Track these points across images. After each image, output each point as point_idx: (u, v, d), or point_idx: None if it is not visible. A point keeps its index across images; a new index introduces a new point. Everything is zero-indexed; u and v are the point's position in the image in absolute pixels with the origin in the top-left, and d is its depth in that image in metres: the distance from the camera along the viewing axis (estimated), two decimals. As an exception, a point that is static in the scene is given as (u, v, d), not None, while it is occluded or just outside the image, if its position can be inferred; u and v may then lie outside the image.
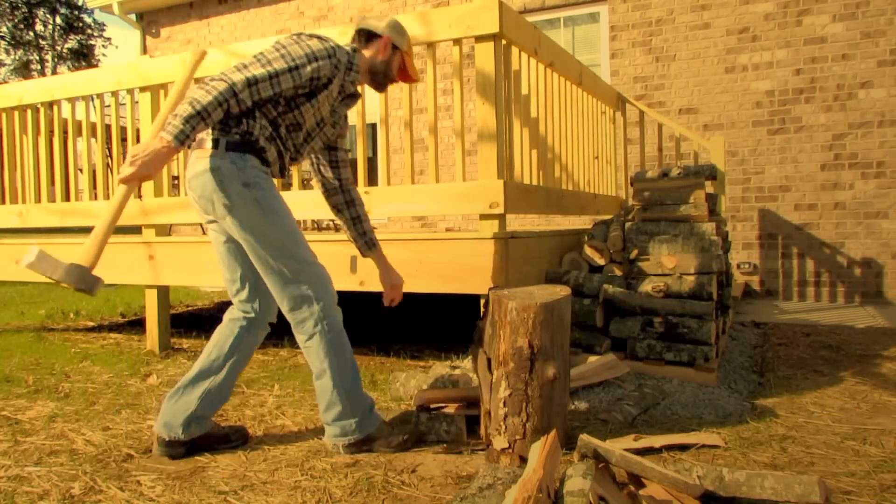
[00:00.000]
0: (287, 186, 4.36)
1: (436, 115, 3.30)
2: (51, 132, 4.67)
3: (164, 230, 4.27)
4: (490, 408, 2.19)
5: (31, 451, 2.38)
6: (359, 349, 4.34)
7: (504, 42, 3.15)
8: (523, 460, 2.11)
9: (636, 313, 3.18)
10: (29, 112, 4.63)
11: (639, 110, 5.35)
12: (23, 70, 33.32)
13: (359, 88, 2.65)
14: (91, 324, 5.56)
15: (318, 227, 6.24)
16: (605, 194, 5.01)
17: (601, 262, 3.55)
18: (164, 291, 4.27)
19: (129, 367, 3.72)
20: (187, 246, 3.97)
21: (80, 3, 33.52)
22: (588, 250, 3.60)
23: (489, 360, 2.21)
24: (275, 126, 2.24)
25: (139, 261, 4.15)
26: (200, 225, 6.66)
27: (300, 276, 2.20)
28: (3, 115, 4.77)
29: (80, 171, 5.04)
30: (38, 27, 33.57)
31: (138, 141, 4.26)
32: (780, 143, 5.81)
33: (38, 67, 33.91)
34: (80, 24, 34.50)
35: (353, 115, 6.16)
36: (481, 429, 2.35)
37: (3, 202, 4.94)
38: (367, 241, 2.62)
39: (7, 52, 33.02)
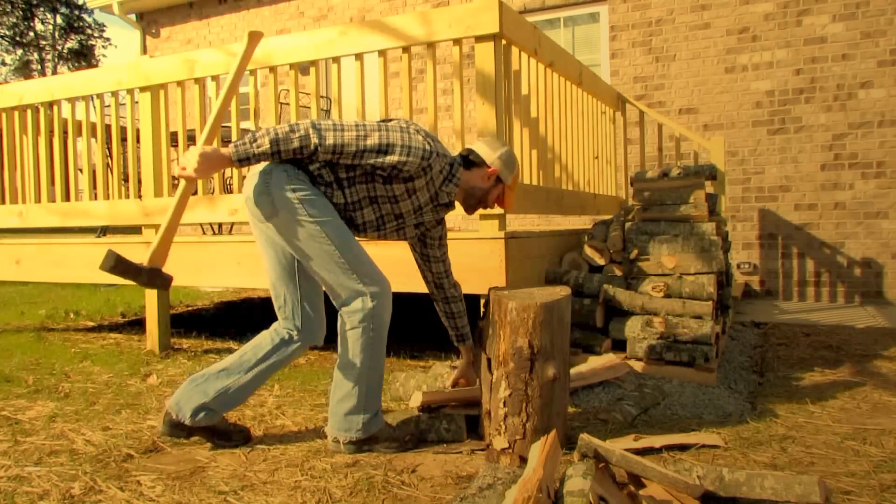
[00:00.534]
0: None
1: (436, 115, 3.30)
2: (51, 132, 4.67)
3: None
4: (490, 408, 2.19)
5: (31, 451, 2.38)
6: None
7: (504, 42, 3.15)
8: (523, 460, 2.11)
9: (636, 313, 3.18)
10: (29, 112, 4.63)
11: (639, 110, 5.35)
12: (23, 70, 33.33)
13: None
14: (91, 324, 5.56)
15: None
16: (605, 194, 5.01)
17: (601, 262, 3.55)
18: (164, 291, 4.27)
19: (129, 367, 3.72)
20: (187, 246, 3.97)
21: (80, 3, 33.52)
22: (588, 250, 3.60)
23: (489, 360, 2.21)
24: (340, 181, 2.24)
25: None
26: (200, 225, 6.66)
27: (355, 273, 2.20)
28: (4, 115, 4.77)
29: (80, 171, 5.03)
30: (39, 27, 33.59)
31: (138, 141, 4.26)
32: (780, 143, 5.81)
33: (39, 67, 33.91)
34: (81, 24, 34.51)
35: (353, 115, 6.16)
36: (481, 429, 2.35)
37: (3, 202, 4.94)
38: (458, 336, 2.66)
39: (7, 51, 33.02)
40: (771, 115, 5.83)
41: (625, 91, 6.20)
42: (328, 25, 7.77)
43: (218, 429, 2.37)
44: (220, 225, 6.18)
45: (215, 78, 3.90)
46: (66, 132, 4.61)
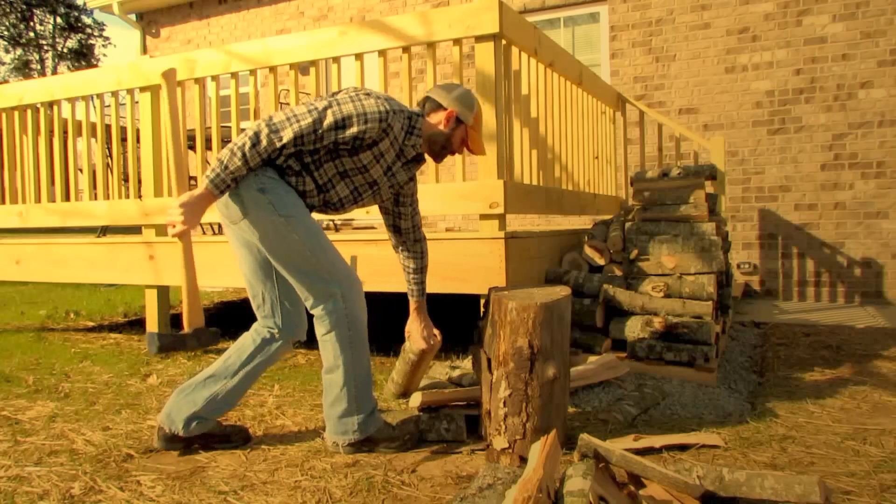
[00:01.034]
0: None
1: (436, 115, 3.30)
2: (51, 132, 4.67)
3: (165, 230, 4.27)
4: (490, 408, 2.19)
5: (31, 451, 2.38)
6: (359, 349, 4.33)
7: (504, 42, 3.15)
8: (523, 460, 2.11)
9: (636, 313, 3.18)
10: (29, 112, 4.63)
11: (639, 110, 5.35)
12: (23, 70, 33.33)
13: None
14: (91, 324, 5.56)
15: (318, 227, 6.24)
16: (605, 194, 5.01)
17: (601, 262, 3.55)
18: (164, 291, 4.27)
19: (129, 367, 3.72)
20: (187, 246, 3.96)
21: (80, 3, 33.53)
22: (588, 250, 3.60)
23: (489, 360, 2.21)
24: (307, 166, 2.23)
25: (139, 261, 4.16)
26: (200, 225, 6.66)
27: (325, 273, 2.19)
28: (3, 115, 4.77)
29: (80, 171, 5.03)
30: (38, 27, 33.59)
31: (138, 141, 4.26)
32: (780, 143, 5.81)
33: (38, 67, 33.91)
34: (80, 24, 34.51)
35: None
36: (481, 429, 2.35)
37: (3, 202, 4.94)
38: (416, 292, 2.67)
39: (7, 51, 33.02)
40: (771, 115, 5.83)
41: (625, 91, 6.20)
42: (328, 25, 7.77)
43: (214, 434, 2.36)
44: (220, 225, 6.18)
45: (215, 78, 3.90)
46: (66, 132, 4.61)
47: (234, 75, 3.82)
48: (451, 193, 3.20)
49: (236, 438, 2.39)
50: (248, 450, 2.34)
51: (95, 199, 4.58)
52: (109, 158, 5.56)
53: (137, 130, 4.27)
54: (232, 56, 3.77)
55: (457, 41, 3.19)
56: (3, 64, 33.26)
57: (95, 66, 34.24)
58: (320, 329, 2.24)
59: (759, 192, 5.90)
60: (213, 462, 2.23)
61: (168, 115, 2.48)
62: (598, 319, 3.19)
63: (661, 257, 3.31)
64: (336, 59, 3.53)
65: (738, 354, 3.69)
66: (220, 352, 4.13)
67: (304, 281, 2.21)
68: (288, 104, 6.74)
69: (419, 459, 2.21)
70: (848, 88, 5.57)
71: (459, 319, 5.07)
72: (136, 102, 4.21)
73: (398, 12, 7.39)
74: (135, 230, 4.30)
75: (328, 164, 2.24)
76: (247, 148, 2.09)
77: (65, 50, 34.41)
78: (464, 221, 7.02)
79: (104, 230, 5.77)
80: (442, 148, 2.36)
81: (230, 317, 5.83)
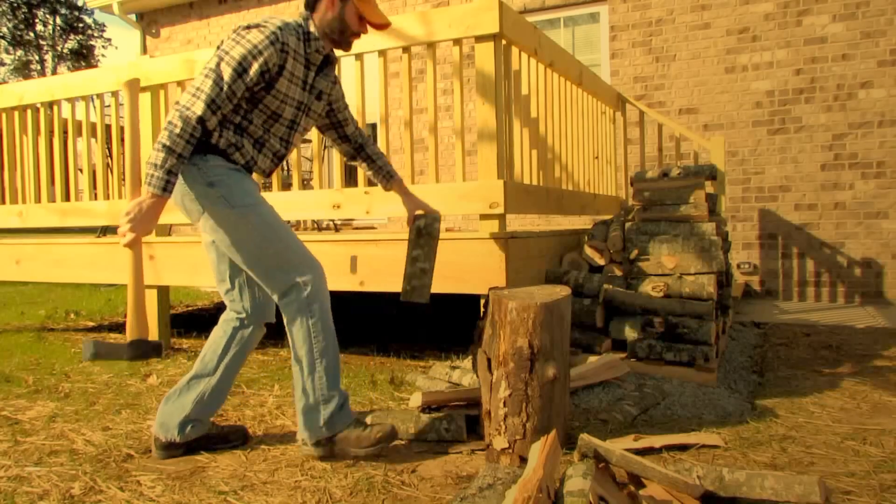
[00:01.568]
0: (287, 186, 4.37)
1: (436, 115, 3.30)
2: (51, 132, 4.67)
3: (164, 230, 4.27)
4: (490, 408, 2.19)
5: (31, 451, 2.38)
6: (359, 349, 4.34)
7: (504, 42, 3.15)
8: (523, 460, 2.11)
9: (636, 313, 3.18)
10: (29, 112, 4.63)
11: (639, 110, 5.35)
12: (23, 70, 33.34)
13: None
14: (91, 324, 5.56)
15: (317, 227, 6.24)
16: (605, 194, 5.01)
17: (601, 262, 3.55)
18: (164, 291, 4.27)
19: (129, 367, 3.72)
20: (187, 246, 3.97)
21: (80, 4, 33.53)
22: (588, 250, 3.60)
23: (489, 360, 2.21)
24: (241, 126, 2.19)
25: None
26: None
27: (283, 263, 2.15)
28: (3, 115, 4.77)
29: (80, 171, 5.03)
30: (39, 27, 33.59)
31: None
32: (780, 143, 5.81)
33: (38, 67, 33.92)
34: (80, 25, 34.52)
35: (353, 115, 6.15)
36: (481, 429, 2.35)
37: (3, 202, 4.94)
38: (385, 175, 2.61)
39: (7, 51, 33.03)
40: (771, 115, 5.83)
41: (625, 91, 6.20)
42: (328, 25, 7.75)
43: (212, 435, 2.36)
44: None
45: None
46: (66, 132, 4.61)
47: (234, 75, 3.81)
48: (451, 193, 3.20)
49: (235, 438, 2.39)
50: (248, 450, 2.34)
51: (95, 198, 4.58)
52: (109, 158, 5.56)
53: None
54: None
55: (457, 41, 3.19)
56: (4, 65, 33.27)
57: (95, 66, 34.24)
58: (285, 318, 2.19)
59: (759, 192, 5.90)
60: (213, 462, 2.23)
61: (128, 123, 2.45)
62: (598, 319, 3.19)
63: (661, 257, 3.31)
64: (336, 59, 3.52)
65: (738, 354, 3.69)
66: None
67: (262, 274, 2.17)
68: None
69: (419, 459, 2.21)
70: (848, 88, 5.57)
71: (459, 319, 5.07)
72: (136, 102, 4.21)
73: (398, 12, 7.39)
74: (135, 230, 4.29)
75: (255, 114, 2.19)
76: (166, 139, 2.03)
77: (65, 51, 34.42)
78: (464, 221, 7.02)
79: (104, 230, 5.77)
80: (341, 33, 2.27)
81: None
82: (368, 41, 3.37)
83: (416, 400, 2.60)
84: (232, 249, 2.18)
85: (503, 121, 3.14)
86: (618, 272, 3.45)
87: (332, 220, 5.87)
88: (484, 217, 3.14)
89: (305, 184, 6.43)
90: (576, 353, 3.14)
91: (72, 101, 4.45)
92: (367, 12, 2.28)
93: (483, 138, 3.10)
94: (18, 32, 32.81)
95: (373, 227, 7.07)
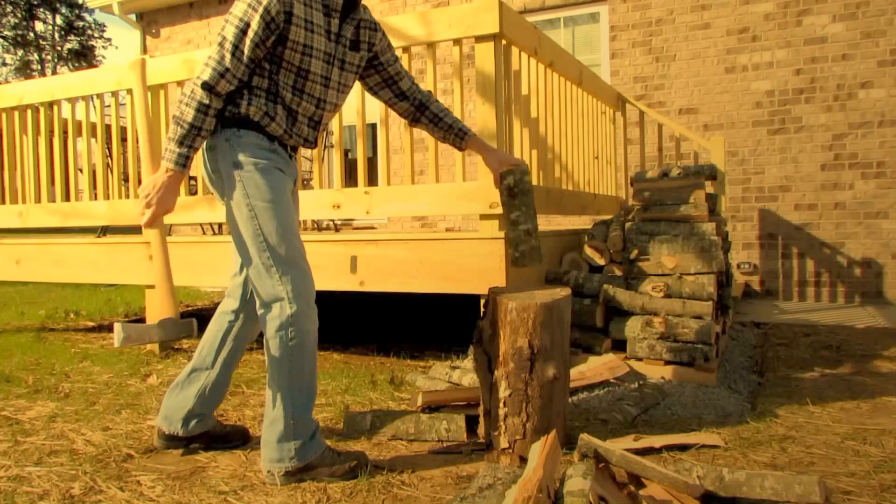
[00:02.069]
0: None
1: (436, 115, 3.30)
2: (51, 132, 4.67)
3: (164, 230, 4.26)
4: (490, 408, 2.19)
5: (31, 451, 2.38)
6: (359, 349, 4.34)
7: (504, 42, 3.15)
8: (523, 460, 2.11)
9: (636, 313, 3.18)
10: (29, 112, 4.63)
11: (639, 110, 5.35)
12: (23, 70, 33.36)
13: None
14: (91, 324, 5.56)
15: (318, 227, 6.24)
16: (605, 194, 5.01)
17: (601, 262, 3.55)
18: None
19: (129, 367, 3.72)
20: (187, 246, 3.97)
21: (80, 3, 33.54)
22: (588, 250, 3.60)
23: (489, 360, 2.21)
24: (271, 91, 2.05)
25: (139, 261, 4.16)
26: (200, 225, 6.66)
27: (278, 274, 2.02)
28: (4, 115, 4.77)
29: (80, 171, 5.04)
30: (39, 27, 33.62)
31: (138, 141, 4.26)
32: (780, 143, 5.81)
33: (39, 68, 33.93)
34: (81, 25, 34.53)
35: (353, 115, 6.16)
36: (481, 429, 2.35)
37: (3, 202, 4.94)
38: (456, 133, 2.39)
39: (8, 51, 33.04)
40: (771, 115, 5.83)
41: (625, 91, 6.20)
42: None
43: (214, 433, 2.35)
44: (220, 225, 6.18)
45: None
46: (66, 132, 4.61)
47: (234, 75, 3.81)
48: (451, 193, 3.20)
49: (235, 438, 2.38)
50: (248, 450, 2.34)
51: (95, 199, 4.58)
52: (109, 158, 5.56)
53: (137, 130, 4.27)
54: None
55: (457, 41, 3.19)
56: (6, 65, 33.29)
57: (96, 66, 34.25)
58: (265, 335, 2.06)
59: (759, 192, 5.90)
60: (213, 462, 2.23)
61: (139, 102, 2.37)
62: (598, 319, 3.19)
63: (661, 257, 3.31)
64: (336, 59, 3.53)
65: (738, 354, 3.69)
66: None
67: (254, 273, 2.05)
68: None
69: (419, 459, 2.21)
70: (848, 88, 5.57)
71: (459, 319, 5.07)
72: (136, 102, 4.21)
73: (398, 12, 7.39)
74: (135, 230, 4.30)
75: (282, 74, 2.04)
76: (177, 110, 1.96)
77: (65, 51, 34.43)
78: (464, 221, 7.02)
79: (104, 230, 5.77)
80: None
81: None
82: (368, 41, 3.37)
83: (416, 400, 2.60)
84: (235, 237, 2.10)
85: (503, 121, 3.14)
86: (618, 272, 3.46)
87: (332, 220, 5.87)
88: (484, 217, 3.14)
89: (305, 184, 6.43)
90: (576, 353, 3.14)
91: (72, 101, 4.45)
92: None
93: (483, 138, 3.10)
94: (19, 32, 32.82)
95: (373, 227, 7.07)
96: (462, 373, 3.09)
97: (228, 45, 1.97)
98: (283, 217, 2.05)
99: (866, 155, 5.53)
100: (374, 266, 3.34)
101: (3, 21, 32.29)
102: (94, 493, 2.00)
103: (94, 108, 4.48)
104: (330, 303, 5.93)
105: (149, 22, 9.05)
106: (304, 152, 7.28)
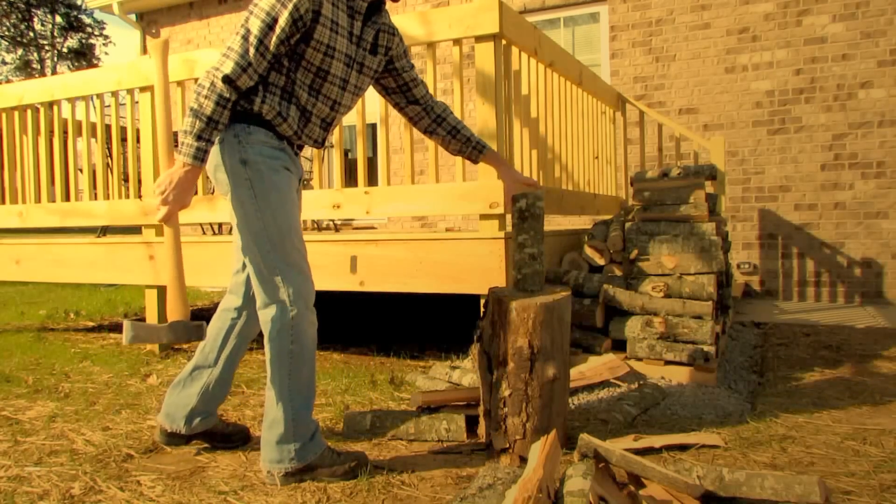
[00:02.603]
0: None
1: (436, 115, 3.30)
2: (51, 132, 4.67)
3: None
4: (490, 408, 2.19)
5: (31, 451, 2.38)
6: (359, 349, 4.34)
7: (504, 42, 3.15)
8: (523, 460, 2.11)
9: (636, 313, 3.18)
10: (29, 112, 4.63)
11: (639, 110, 5.35)
12: (23, 69, 33.35)
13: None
14: (91, 324, 5.56)
15: (317, 227, 6.24)
16: (605, 194, 5.01)
17: (601, 262, 3.55)
18: (164, 291, 4.27)
19: (129, 367, 3.72)
20: (187, 246, 3.97)
21: (79, 3, 33.53)
22: (588, 250, 3.60)
23: (489, 360, 2.21)
24: (287, 90, 2.03)
25: (139, 261, 4.16)
26: (200, 225, 6.66)
27: (279, 276, 2.01)
28: (3, 115, 4.77)
29: (80, 171, 5.04)
30: (38, 26, 33.61)
31: (138, 141, 4.26)
32: (780, 143, 5.81)
33: (38, 67, 33.93)
34: (80, 24, 34.52)
35: (353, 115, 6.16)
36: (481, 429, 2.35)
37: (3, 202, 4.94)
38: (474, 147, 2.39)
39: (7, 51, 33.04)
40: (771, 115, 5.83)
41: (625, 91, 6.20)
42: (328, 25, 7.75)
43: (216, 432, 2.34)
44: (220, 225, 6.18)
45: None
46: (66, 132, 4.61)
47: (234, 75, 3.81)
48: (451, 193, 3.20)
49: (237, 438, 2.38)
50: (247, 450, 2.34)
51: (95, 199, 4.58)
52: (109, 158, 5.57)
53: (137, 130, 4.28)
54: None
55: (457, 41, 3.19)
56: (6, 64, 33.29)
57: (95, 65, 34.26)
58: (265, 336, 2.06)
59: (759, 192, 5.90)
60: (213, 462, 2.23)
61: (159, 85, 2.30)
62: (598, 319, 3.19)
63: (661, 257, 3.31)
64: (336, 59, 3.53)
65: (738, 354, 3.69)
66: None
67: (256, 273, 2.03)
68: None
69: (419, 459, 2.21)
70: (848, 88, 5.58)
71: (459, 319, 5.07)
72: (136, 102, 4.21)
73: (398, 12, 7.39)
74: (135, 230, 4.30)
75: (301, 73, 2.02)
76: (193, 102, 1.91)
77: (65, 50, 34.42)
78: (464, 221, 7.02)
79: (104, 230, 5.77)
80: None
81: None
82: (368, 41, 3.37)
83: (415, 400, 2.60)
84: (239, 235, 2.08)
85: (503, 121, 3.14)
86: (618, 272, 3.45)
87: (332, 220, 5.87)
88: (484, 217, 3.14)
89: (305, 184, 6.43)
90: (576, 353, 3.14)
91: (72, 101, 4.46)
92: None
93: (483, 138, 3.10)
94: (18, 32, 32.81)
95: (373, 227, 7.07)
96: (462, 373, 3.09)
97: (253, 40, 1.91)
98: (289, 218, 2.04)
99: (866, 155, 5.53)
100: (373, 266, 3.34)
101: (2, 20, 32.30)
102: (94, 493, 2.00)
103: (94, 108, 4.48)
104: (330, 303, 5.93)
105: (149, 22, 9.05)
106: (305, 151, 7.27)
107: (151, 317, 4.23)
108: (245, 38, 1.92)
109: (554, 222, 6.52)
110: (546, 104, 3.69)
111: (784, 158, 5.80)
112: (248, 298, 2.26)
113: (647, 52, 6.30)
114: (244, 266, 2.24)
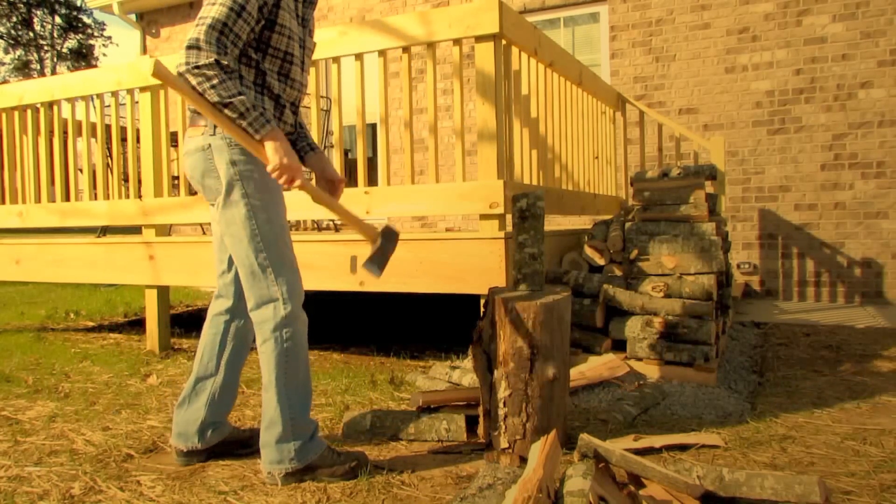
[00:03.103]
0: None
1: (436, 115, 3.30)
2: (51, 132, 4.67)
3: (164, 230, 4.27)
4: (490, 408, 2.19)
5: (31, 451, 2.38)
6: (359, 349, 4.34)
7: (504, 42, 3.15)
8: (523, 460, 2.11)
9: (636, 313, 3.18)
10: (29, 112, 4.63)
11: (639, 110, 5.35)
12: (23, 70, 33.35)
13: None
14: (91, 324, 5.56)
15: (317, 227, 6.24)
16: (605, 194, 5.01)
17: (601, 262, 3.55)
18: (164, 291, 4.27)
19: (129, 367, 3.72)
20: (187, 246, 3.97)
21: (79, 4, 33.53)
22: (588, 250, 3.60)
23: (489, 360, 2.21)
24: (258, 83, 2.06)
25: (139, 261, 4.15)
26: (200, 225, 6.66)
27: (273, 275, 2.02)
28: (3, 115, 4.77)
29: (80, 171, 5.05)
30: (38, 27, 33.60)
31: (138, 141, 4.26)
32: (780, 143, 5.81)
33: (38, 67, 33.92)
34: (80, 24, 34.52)
35: (353, 115, 6.16)
36: (481, 429, 2.35)
37: (3, 202, 4.94)
38: (307, 145, 2.37)
39: (7, 51, 33.04)
40: (771, 115, 5.83)
41: (625, 91, 6.20)
42: (328, 25, 7.76)
43: (233, 440, 2.29)
44: (220, 225, 6.16)
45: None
46: (66, 132, 4.61)
47: (234, 75, 3.81)
48: (451, 193, 3.20)
49: (256, 443, 2.21)
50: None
51: (95, 198, 4.58)
52: (109, 158, 5.56)
53: (137, 130, 4.28)
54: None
55: (457, 41, 3.19)
56: (4, 64, 33.28)
57: (95, 66, 34.26)
58: (258, 338, 2.06)
59: (759, 192, 5.90)
60: (213, 462, 2.23)
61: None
62: (598, 319, 3.19)
63: (661, 257, 3.31)
64: (336, 59, 3.53)
65: (738, 354, 3.69)
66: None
67: (246, 274, 2.04)
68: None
69: (419, 459, 2.21)
70: (848, 88, 5.57)
71: (459, 319, 5.07)
72: (136, 102, 4.21)
73: (398, 12, 7.39)
74: (135, 230, 4.29)
75: (268, 61, 2.06)
76: (221, 93, 1.89)
77: (64, 50, 34.42)
78: (464, 221, 7.01)
79: (104, 230, 5.77)
80: None
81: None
82: (369, 41, 3.37)
83: (415, 400, 2.60)
84: (227, 236, 2.07)
85: (503, 121, 3.14)
86: (618, 272, 3.45)
87: (332, 220, 5.87)
88: (484, 217, 3.14)
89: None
90: (576, 353, 3.14)
91: (72, 101, 4.46)
92: None
93: (483, 138, 3.10)
94: (17, 32, 32.81)
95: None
96: (462, 373, 3.09)
97: (223, 28, 1.91)
98: (279, 217, 2.08)
99: (866, 155, 5.53)
100: (374, 266, 3.33)
101: (2, 21, 32.30)
102: (94, 493, 2.00)
103: (94, 108, 4.48)
104: (330, 303, 5.93)
105: (149, 22, 9.05)
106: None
107: (151, 317, 4.23)
108: (212, 27, 1.91)
109: (554, 222, 6.52)
110: (546, 104, 3.69)
111: (784, 158, 5.80)
112: (239, 297, 2.23)
113: (647, 52, 6.30)
114: (230, 266, 2.23)
